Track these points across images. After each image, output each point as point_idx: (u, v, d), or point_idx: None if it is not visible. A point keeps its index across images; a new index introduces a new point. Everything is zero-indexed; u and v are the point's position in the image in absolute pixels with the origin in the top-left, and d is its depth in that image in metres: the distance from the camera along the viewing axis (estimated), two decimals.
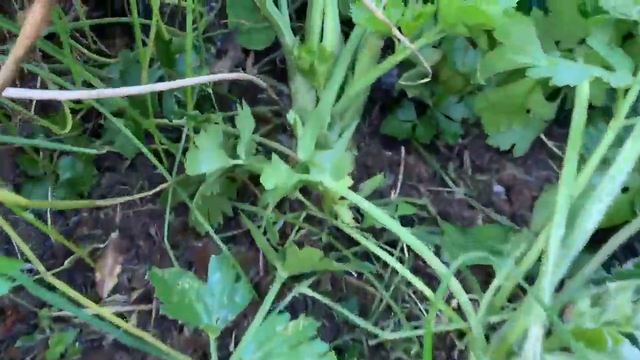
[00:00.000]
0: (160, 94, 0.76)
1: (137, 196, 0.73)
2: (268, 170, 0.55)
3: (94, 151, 0.73)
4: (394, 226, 0.60)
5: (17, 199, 0.51)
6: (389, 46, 0.77)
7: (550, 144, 0.83)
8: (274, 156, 0.59)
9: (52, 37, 0.93)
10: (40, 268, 0.62)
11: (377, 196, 0.78)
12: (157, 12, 0.60)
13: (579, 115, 0.60)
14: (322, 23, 0.76)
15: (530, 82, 0.70)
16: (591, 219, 0.58)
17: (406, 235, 0.61)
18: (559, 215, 0.57)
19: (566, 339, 0.51)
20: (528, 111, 0.78)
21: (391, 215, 0.67)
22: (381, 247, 0.70)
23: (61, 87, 0.69)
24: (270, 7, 0.76)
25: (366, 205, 0.60)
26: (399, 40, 0.67)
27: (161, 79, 0.67)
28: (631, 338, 0.51)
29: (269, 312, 0.63)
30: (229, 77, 0.62)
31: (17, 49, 0.34)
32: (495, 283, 0.62)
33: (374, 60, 0.75)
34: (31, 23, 0.32)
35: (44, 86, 0.84)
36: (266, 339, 0.59)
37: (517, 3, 0.67)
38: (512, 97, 0.73)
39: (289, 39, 0.76)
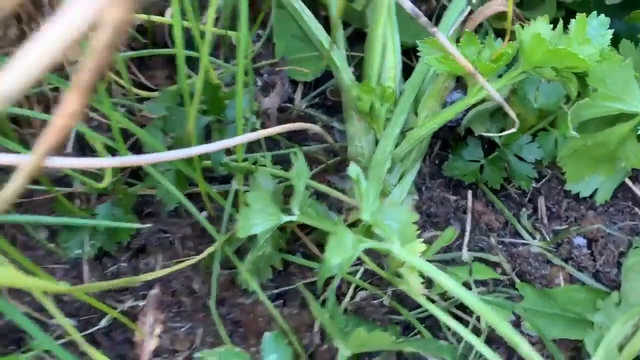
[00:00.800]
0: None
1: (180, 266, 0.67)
2: (333, 244, 0.48)
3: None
4: (469, 299, 0.52)
5: (46, 284, 0.45)
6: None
7: (636, 189, 0.74)
8: (339, 225, 0.52)
9: None
10: (75, 335, 0.56)
11: (442, 249, 0.70)
12: (207, 59, 0.54)
13: None
14: (382, 57, 0.69)
15: (625, 130, 0.61)
16: None
17: (483, 309, 0.53)
18: None
19: None
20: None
21: (465, 278, 0.60)
22: (453, 314, 0.62)
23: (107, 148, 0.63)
24: (324, 39, 0.69)
25: (441, 279, 0.52)
26: (475, 82, 0.59)
27: (208, 127, 0.61)
28: None
29: None
30: (288, 128, 0.55)
31: (49, 137, 0.28)
32: None
33: (441, 101, 0.67)
34: (63, 114, 0.26)
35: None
36: None
37: None
38: (603, 145, 0.64)
39: (346, 77, 0.69)
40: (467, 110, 0.77)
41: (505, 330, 0.51)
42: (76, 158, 0.45)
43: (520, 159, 0.76)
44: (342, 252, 0.48)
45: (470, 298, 0.52)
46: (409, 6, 0.52)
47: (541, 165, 0.77)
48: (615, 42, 0.66)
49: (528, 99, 0.76)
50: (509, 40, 0.62)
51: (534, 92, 0.77)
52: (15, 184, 0.36)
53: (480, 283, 0.63)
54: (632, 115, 0.59)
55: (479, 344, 0.55)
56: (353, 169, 0.60)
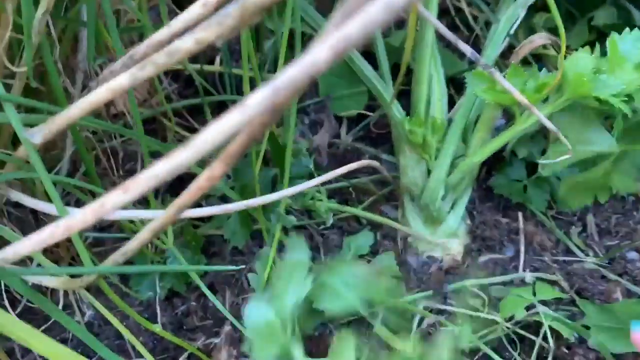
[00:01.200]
0: None
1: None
2: None
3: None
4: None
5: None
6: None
7: None
8: None
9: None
10: None
11: (499, 270, 0.72)
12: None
13: None
14: (429, 90, 0.73)
15: (606, 166, 0.66)
16: None
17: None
18: None
19: None
20: None
21: (530, 299, 0.62)
22: (519, 335, 0.64)
23: None
24: (375, 79, 0.72)
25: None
26: (523, 111, 0.63)
27: (274, 178, 0.65)
28: None
29: None
30: (349, 168, 0.59)
31: (190, 196, 0.31)
32: None
33: (490, 130, 0.70)
34: (208, 177, 0.30)
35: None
36: None
37: None
38: (593, 179, 0.69)
39: (396, 111, 0.72)
40: None
41: None
42: (145, 211, 0.49)
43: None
44: None
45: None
46: (462, 46, 0.56)
47: None
48: None
49: None
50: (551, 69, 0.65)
51: None
52: (144, 236, 0.40)
53: (541, 302, 0.65)
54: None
55: None
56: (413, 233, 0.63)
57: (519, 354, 0.65)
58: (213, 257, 0.79)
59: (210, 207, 0.46)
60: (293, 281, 0.58)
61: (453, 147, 0.71)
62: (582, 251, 0.75)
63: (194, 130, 0.90)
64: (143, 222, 0.73)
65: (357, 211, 0.78)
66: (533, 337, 0.65)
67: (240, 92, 0.88)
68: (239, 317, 0.74)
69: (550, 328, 0.60)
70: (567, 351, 0.63)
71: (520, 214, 0.78)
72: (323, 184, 0.85)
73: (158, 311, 0.76)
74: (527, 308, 0.62)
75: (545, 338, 0.62)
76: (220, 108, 0.92)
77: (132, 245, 0.39)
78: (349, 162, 0.86)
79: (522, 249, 0.74)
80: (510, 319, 0.65)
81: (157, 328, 0.54)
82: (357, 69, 0.71)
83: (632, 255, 0.73)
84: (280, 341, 0.55)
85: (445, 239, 0.74)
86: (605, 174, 0.70)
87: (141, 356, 0.76)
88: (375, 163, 0.68)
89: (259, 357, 0.53)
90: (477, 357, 0.68)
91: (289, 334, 0.54)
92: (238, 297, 0.76)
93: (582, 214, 0.79)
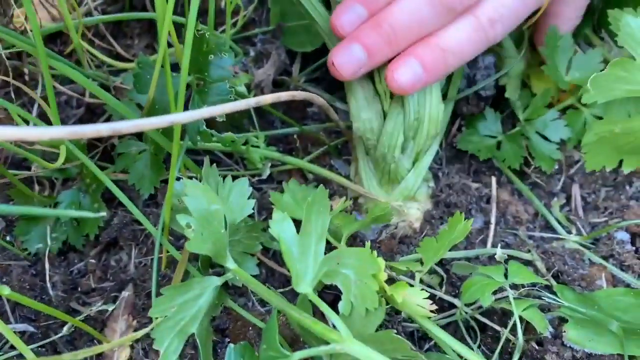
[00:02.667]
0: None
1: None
2: None
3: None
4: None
5: None
6: None
7: None
8: None
9: (56, 36, 0.77)
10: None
11: (463, 244, 0.60)
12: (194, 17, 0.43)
13: None
14: None
15: None
16: None
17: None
18: None
19: None
20: None
21: (501, 282, 0.50)
22: (481, 323, 0.52)
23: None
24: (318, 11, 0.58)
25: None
26: None
27: (187, 88, 0.50)
28: None
29: None
30: (282, 97, 0.45)
31: None
32: None
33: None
34: None
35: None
36: None
37: None
38: (633, 133, 0.55)
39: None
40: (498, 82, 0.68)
41: None
42: (28, 128, 0.34)
43: (544, 137, 0.66)
44: None
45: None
46: None
47: (566, 146, 0.67)
48: None
49: (559, 70, 0.66)
50: None
51: (566, 62, 0.67)
52: None
53: (512, 286, 0.53)
54: None
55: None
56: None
57: (479, 346, 0.53)
58: (120, 207, 0.64)
59: (89, 125, 0.32)
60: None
61: (419, 93, 0.57)
62: (564, 227, 0.62)
63: (117, 57, 0.74)
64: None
65: (302, 163, 0.65)
66: (498, 328, 0.53)
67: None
68: (145, 280, 0.61)
69: (520, 318, 0.48)
70: (537, 347, 0.51)
71: (493, 179, 0.66)
72: (263, 128, 0.71)
73: (47, 267, 0.62)
74: (494, 292, 0.50)
75: (513, 330, 0.50)
76: (150, 28, 0.77)
77: None
78: (299, 107, 0.73)
79: (493, 220, 0.62)
80: (473, 303, 0.53)
81: (6, 291, 0.40)
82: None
83: (621, 235, 0.61)
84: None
85: (402, 202, 0.61)
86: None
87: (24, 320, 0.63)
88: (321, 100, 0.54)
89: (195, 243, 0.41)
90: (428, 345, 0.56)
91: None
92: (146, 256, 0.62)
93: (567, 184, 0.66)
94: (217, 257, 0.46)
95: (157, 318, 0.45)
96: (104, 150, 0.67)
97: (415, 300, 0.47)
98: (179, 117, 0.37)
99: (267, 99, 0.44)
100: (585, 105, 0.67)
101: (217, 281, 0.47)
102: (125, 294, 0.59)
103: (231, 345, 0.47)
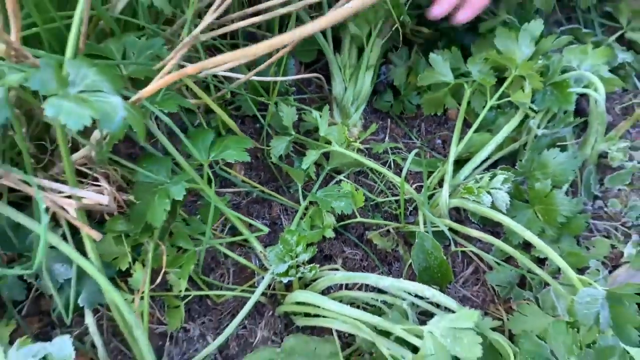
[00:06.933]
0: None
1: None
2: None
3: None
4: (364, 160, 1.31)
5: None
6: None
7: None
8: None
9: None
10: None
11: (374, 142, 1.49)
12: None
13: None
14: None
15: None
16: None
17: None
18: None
19: None
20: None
21: (384, 160, 1.38)
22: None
23: None
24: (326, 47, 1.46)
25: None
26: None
27: None
28: None
29: None
30: (307, 76, 1.31)
31: None
32: None
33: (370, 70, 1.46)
34: None
35: None
36: None
37: None
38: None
39: (335, 62, 1.46)
40: (389, 76, 1.57)
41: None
42: None
43: (410, 102, 1.56)
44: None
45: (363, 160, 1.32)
46: None
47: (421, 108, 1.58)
48: None
49: (418, 75, 1.56)
50: None
51: (422, 71, 1.57)
52: None
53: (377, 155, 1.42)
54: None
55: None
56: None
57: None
58: None
59: None
60: None
61: (358, 79, 1.45)
62: (416, 139, 1.52)
63: None
64: None
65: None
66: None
67: None
68: None
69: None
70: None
71: (389, 120, 1.55)
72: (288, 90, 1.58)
73: None
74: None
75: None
76: None
77: None
78: (303, 87, 1.61)
79: (387, 135, 1.51)
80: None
81: None
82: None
83: (438, 141, 1.51)
84: None
85: (352, 125, 1.50)
86: (444, 95, 1.46)
87: None
88: (319, 76, 1.41)
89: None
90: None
91: None
92: None
93: (419, 122, 1.57)
94: None
95: None
96: None
97: None
98: None
99: (298, 77, 1.31)
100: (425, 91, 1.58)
101: None
102: None
103: None
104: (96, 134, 0.92)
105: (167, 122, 0.88)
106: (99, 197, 0.87)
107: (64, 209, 0.87)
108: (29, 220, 0.91)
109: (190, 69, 0.66)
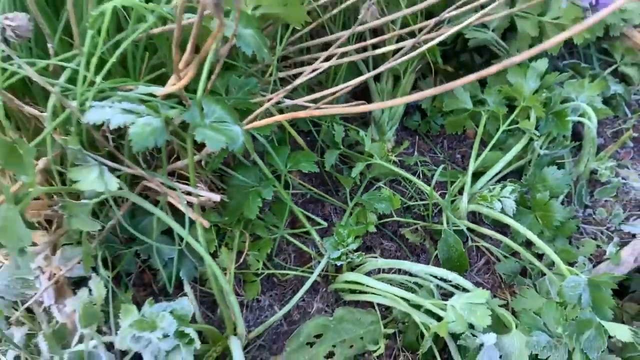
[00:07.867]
0: None
1: None
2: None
3: None
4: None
5: None
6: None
7: None
8: None
9: None
10: None
11: (405, 156, 1.80)
12: None
13: None
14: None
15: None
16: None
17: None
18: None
19: None
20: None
21: (414, 171, 1.70)
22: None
23: None
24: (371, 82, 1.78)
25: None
26: None
27: None
28: None
29: None
30: (351, 104, 1.63)
31: None
32: None
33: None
34: None
35: None
36: None
37: None
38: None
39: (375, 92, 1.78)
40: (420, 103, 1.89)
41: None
42: None
43: (435, 122, 1.87)
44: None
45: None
46: None
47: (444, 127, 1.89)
48: None
49: (444, 102, 1.88)
50: None
51: (447, 100, 1.88)
52: None
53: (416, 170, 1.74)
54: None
55: None
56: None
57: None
58: None
59: None
60: None
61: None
62: (439, 153, 1.83)
63: None
64: None
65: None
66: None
67: None
68: None
69: None
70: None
71: (417, 137, 1.87)
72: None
73: None
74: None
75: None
76: None
77: None
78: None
79: (416, 149, 1.83)
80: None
81: None
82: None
83: (458, 155, 1.82)
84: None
85: (387, 141, 1.81)
86: (464, 119, 1.77)
87: None
88: (363, 102, 1.73)
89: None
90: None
91: None
92: None
93: (442, 139, 1.88)
94: None
95: None
96: None
97: None
98: None
99: (349, 105, 1.63)
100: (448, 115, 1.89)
101: None
102: None
103: None
104: (207, 149, 1.24)
105: (263, 143, 1.20)
106: (212, 195, 1.18)
107: (188, 203, 1.19)
108: (159, 211, 1.23)
109: (302, 113, 0.98)
